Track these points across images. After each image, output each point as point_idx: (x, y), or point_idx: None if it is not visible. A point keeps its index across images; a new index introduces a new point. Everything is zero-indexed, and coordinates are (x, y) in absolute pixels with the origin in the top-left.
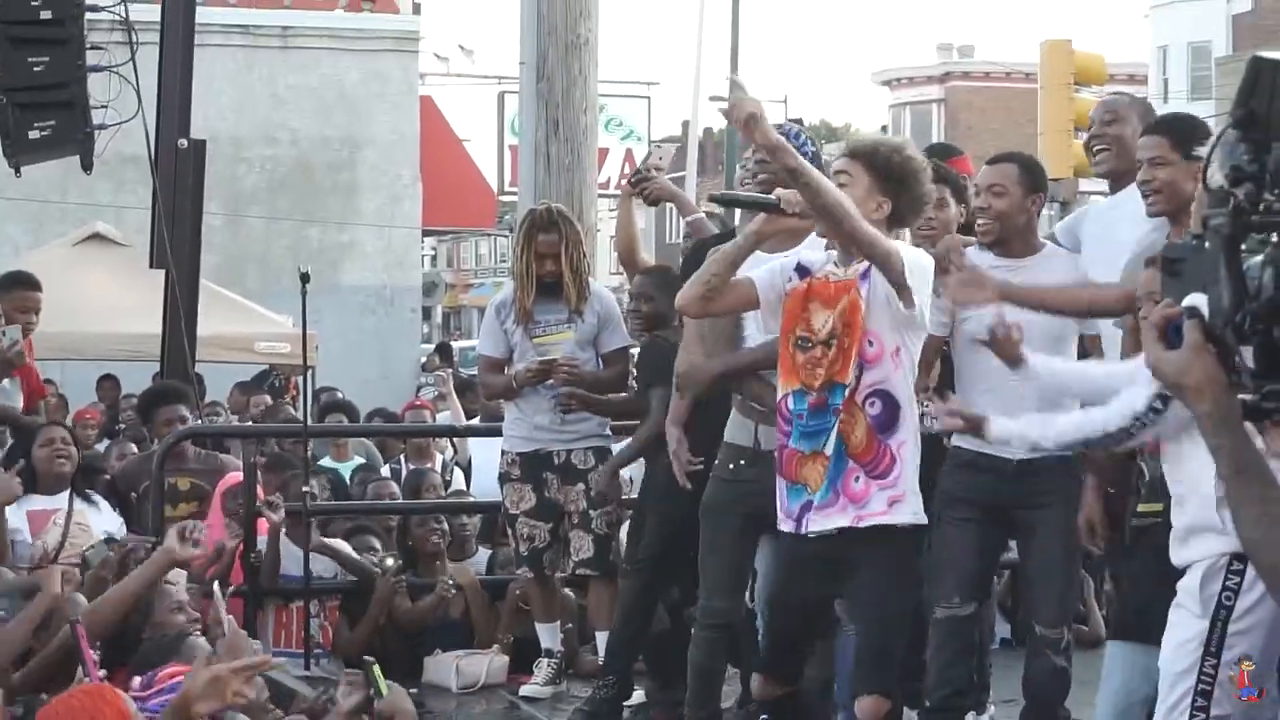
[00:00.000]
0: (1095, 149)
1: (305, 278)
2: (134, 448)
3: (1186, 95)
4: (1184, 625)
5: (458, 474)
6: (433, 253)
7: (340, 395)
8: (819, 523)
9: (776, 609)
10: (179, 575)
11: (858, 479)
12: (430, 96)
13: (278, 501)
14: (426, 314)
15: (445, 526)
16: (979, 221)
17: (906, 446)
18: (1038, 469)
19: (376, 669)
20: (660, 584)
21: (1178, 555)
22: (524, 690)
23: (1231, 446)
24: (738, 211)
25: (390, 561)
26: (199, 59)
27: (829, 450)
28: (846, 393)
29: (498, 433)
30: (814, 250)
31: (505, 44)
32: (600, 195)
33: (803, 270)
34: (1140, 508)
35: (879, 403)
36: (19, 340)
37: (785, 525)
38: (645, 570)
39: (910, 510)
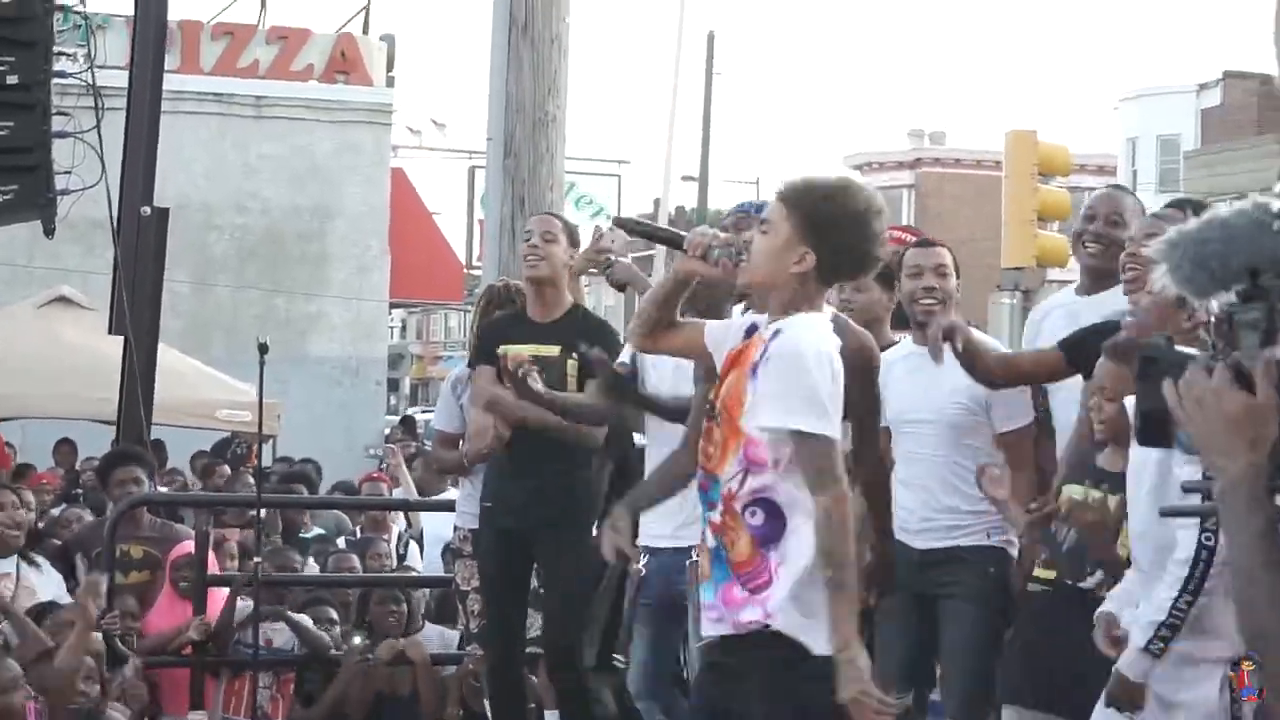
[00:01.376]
0: (1089, 244)
1: (264, 348)
2: (88, 514)
3: (1154, 187)
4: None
5: (413, 547)
6: (401, 324)
7: (303, 465)
8: (706, 627)
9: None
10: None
11: (738, 590)
12: (402, 169)
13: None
14: (394, 386)
15: (404, 607)
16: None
17: (786, 567)
18: (941, 559)
19: None
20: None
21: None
22: None
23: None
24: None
25: (357, 640)
26: (171, 125)
27: (709, 544)
28: (724, 490)
29: (451, 506)
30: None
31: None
32: None
33: (751, 330)
34: (1038, 572)
35: (760, 513)
36: None
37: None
38: None
39: (790, 623)
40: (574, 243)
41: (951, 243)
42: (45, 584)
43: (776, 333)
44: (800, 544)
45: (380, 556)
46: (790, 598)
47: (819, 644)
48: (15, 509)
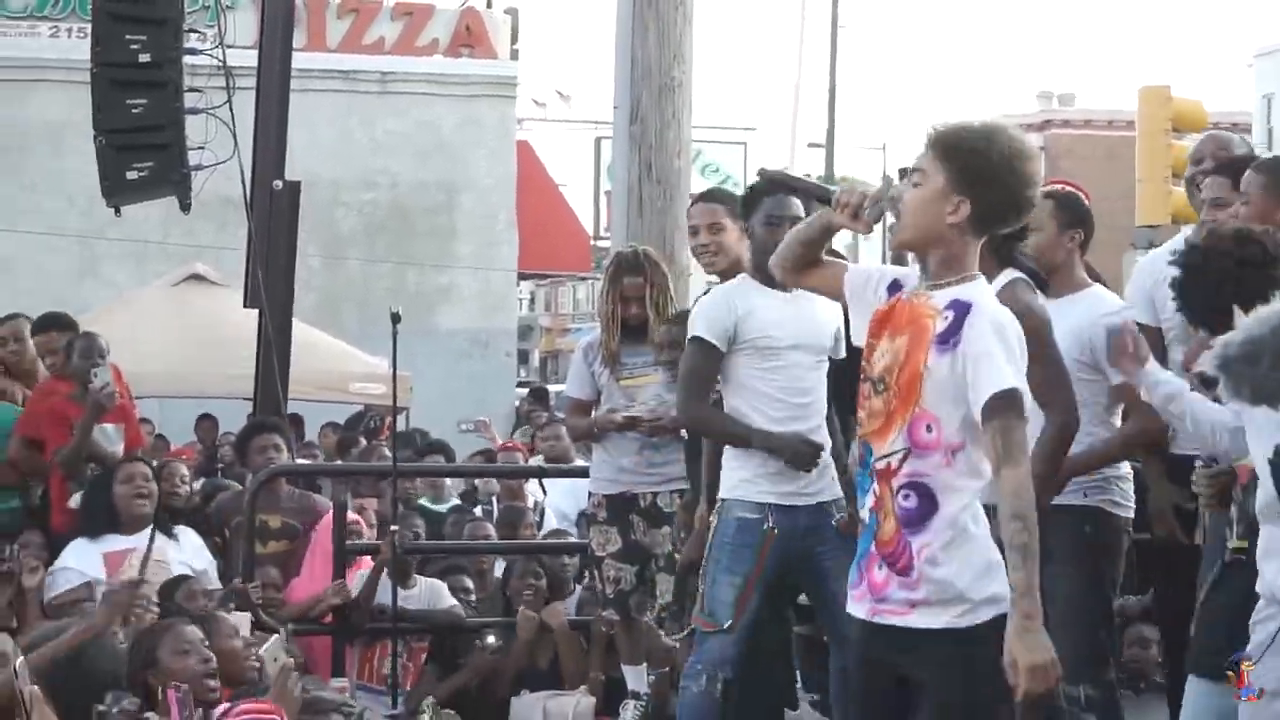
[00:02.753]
0: (1202, 185)
1: (396, 317)
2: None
3: None
4: None
5: (548, 515)
6: (529, 297)
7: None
8: (850, 605)
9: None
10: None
11: (880, 567)
12: (527, 141)
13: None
14: (524, 358)
15: (543, 581)
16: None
17: (930, 550)
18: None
19: (428, 714)
20: None
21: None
22: None
23: None
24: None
25: (491, 639)
26: (299, 103)
27: (864, 516)
28: (881, 465)
29: (583, 473)
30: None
31: (602, 90)
32: None
33: (895, 288)
34: (1232, 544)
35: (913, 496)
36: (110, 382)
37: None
38: None
39: (943, 619)
40: (737, 216)
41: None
42: (183, 555)
43: (964, 307)
44: (945, 534)
45: (530, 526)
46: (930, 585)
47: (964, 618)
48: (148, 480)
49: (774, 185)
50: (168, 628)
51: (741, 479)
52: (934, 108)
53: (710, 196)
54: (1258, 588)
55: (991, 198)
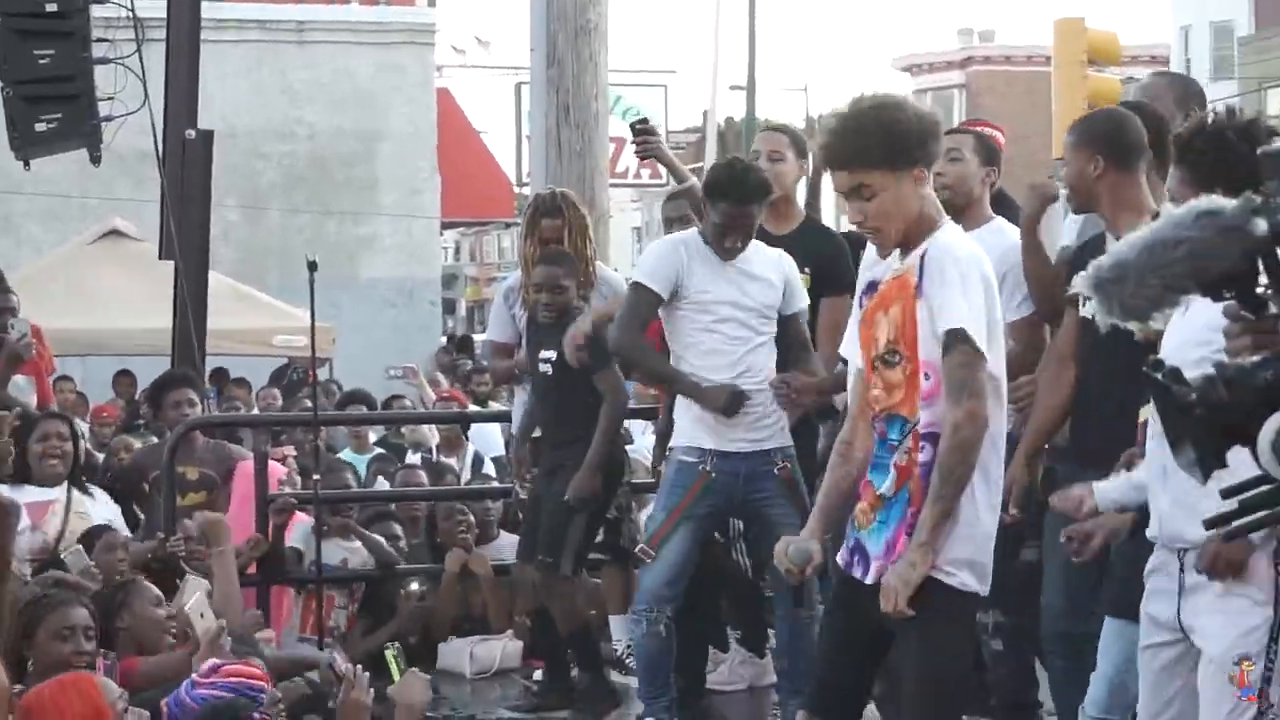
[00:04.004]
0: None
1: (313, 265)
2: (138, 443)
3: (1209, 74)
4: (1247, 612)
5: (488, 464)
6: (454, 246)
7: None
8: (871, 576)
9: (826, 649)
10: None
11: (906, 538)
12: (447, 89)
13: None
14: (450, 307)
15: (470, 518)
16: None
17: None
18: None
19: (390, 653)
20: None
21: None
22: (538, 675)
23: None
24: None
25: (415, 586)
26: (212, 54)
27: (884, 492)
28: (909, 430)
29: (507, 417)
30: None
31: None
32: (615, 184)
33: (872, 288)
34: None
35: (929, 448)
36: (26, 333)
37: (841, 558)
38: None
39: (960, 575)
40: (802, 154)
41: (1005, 141)
42: (100, 510)
43: (923, 254)
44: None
45: (455, 475)
46: (966, 559)
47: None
48: (63, 439)
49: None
50: (54, 607)
51: (683, 426)
52: (855, 48)
53: (777, 126)
54: (1148, 533)
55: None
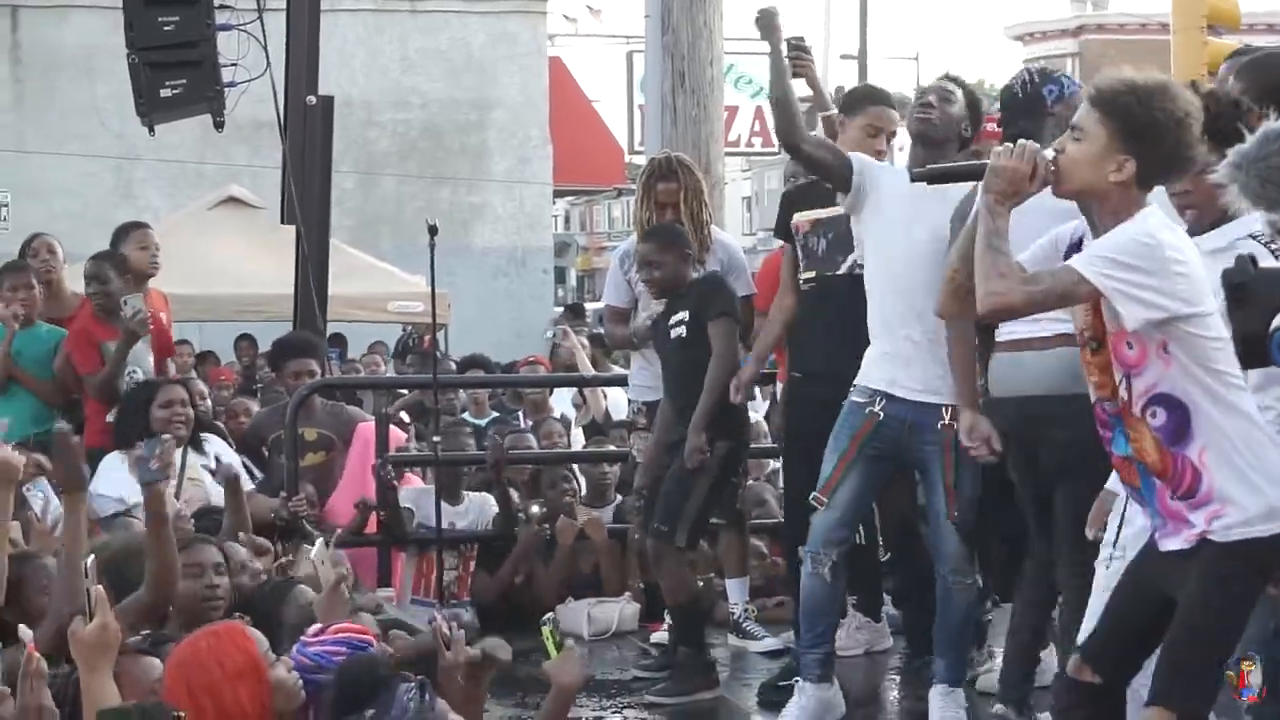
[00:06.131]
0: None
1: (433, 229)
2: (255, 405)
3: None
4: None
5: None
6: (564, 215)
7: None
8: (1163, 544)
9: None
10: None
11: (1170, 497)
12: (559, 58)
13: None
14: (560, 276)
15: (574, 485)
16: None
17: (1209, 453)
18: None
19: (547, 630)
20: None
21: None
22: (655, 637)
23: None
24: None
25: (535, 509)
26: (329, 24)
27: (1135, 464)
28: (1120, 407)
29: (621, 382)
30: None
31: (633, 4)
32: (729, 153)
33: (1077, 248)
34: None
35: (1160, 411)
36: (141, 309)
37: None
38: None
39: (1235, 523)
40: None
41: None
42: (213, 461)
43: None
44: (1211, 430)
45: (551, 435)
46: (1224, 493)
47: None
48: (185, 406)
49: (933, 181)
50: (183, 546)
51: (864, 365)
52: (967, 16)
53: (883, 99)
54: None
55: (1154, 156)
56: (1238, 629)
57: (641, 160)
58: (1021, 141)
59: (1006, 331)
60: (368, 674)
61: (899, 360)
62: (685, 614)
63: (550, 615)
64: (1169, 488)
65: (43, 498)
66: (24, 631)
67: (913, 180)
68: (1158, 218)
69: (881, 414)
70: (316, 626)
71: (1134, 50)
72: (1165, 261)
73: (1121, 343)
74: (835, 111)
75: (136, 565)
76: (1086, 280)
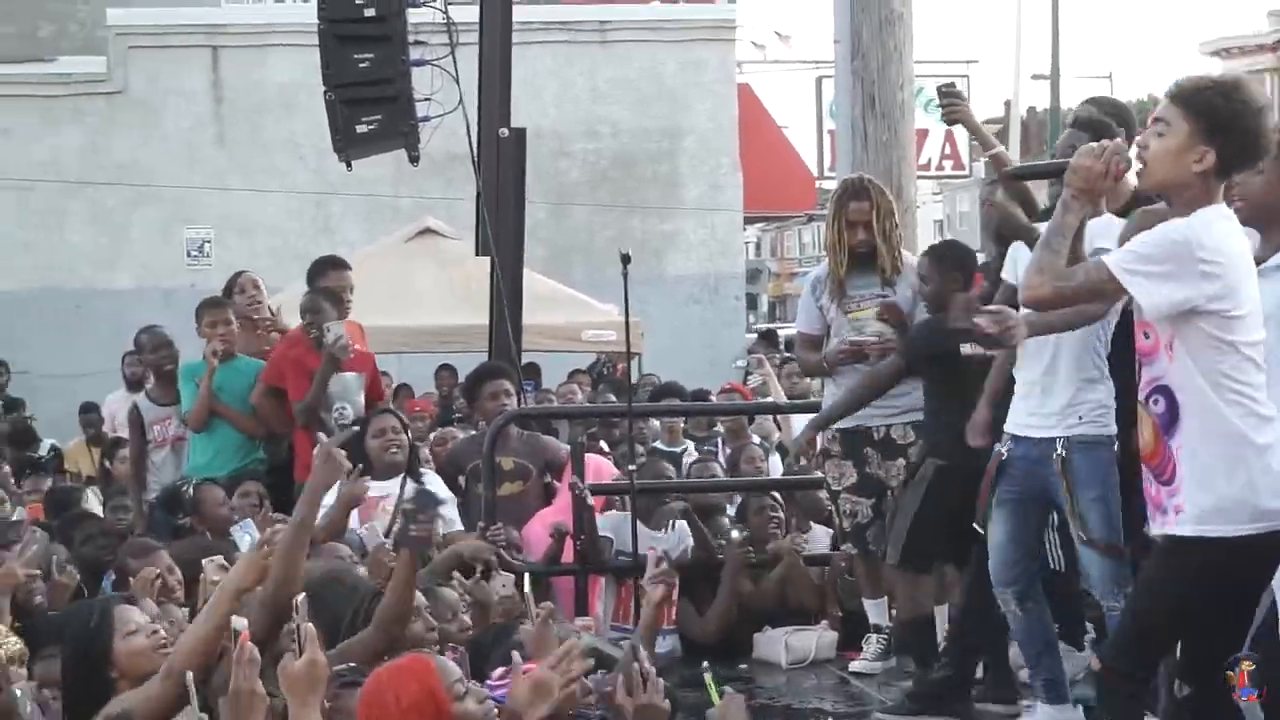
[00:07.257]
0: None
1: (626, 258)
2: (459, 434)
3: None
4: None
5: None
6: (755, 242)
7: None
8: (1151, 528)
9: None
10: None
11: (1152, 485)
12: (748, 84)
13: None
14: (752, 302)
15: (780, 513)
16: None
17: (1184, 450)
18: None
19: (709, 676)
20: None
21: None
22: (854, 666)
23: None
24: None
25: (735, 534)
26: (520, 56)
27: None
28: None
29: (814, 409)
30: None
31: (820, 30)
32: (920, 176)
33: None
34: None
35: (1162, 401)
36: (343, 335)
37: None
38: None
39: (1188, 518)
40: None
41: None
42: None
43: None
44: (1193, 430)
45: (754, 461)
46: (1194, 491)
47: (1225, 529)
48: (398, 433)
49: (1020, 179)
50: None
51: None
52: (1161, 32)
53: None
54: None
55: (1234, 145)
56: (1179, 619)
57: (831, 185)
58: (1104, 141)
59: None
60: None
61: (1018, 399)
62: (914, 631)
63: (706, 664)
64: (1155, 474)
65: (250, 539)
66: (237, 620)
67: (1005, 179)
68: (1208, 219)
69: (1005, 453)
70: (500, 670)
71: None
72: (1191, 261)
73: (1141, 330)
74: (1000, 149)
75: (335, 591)
76: (1114, 277)
